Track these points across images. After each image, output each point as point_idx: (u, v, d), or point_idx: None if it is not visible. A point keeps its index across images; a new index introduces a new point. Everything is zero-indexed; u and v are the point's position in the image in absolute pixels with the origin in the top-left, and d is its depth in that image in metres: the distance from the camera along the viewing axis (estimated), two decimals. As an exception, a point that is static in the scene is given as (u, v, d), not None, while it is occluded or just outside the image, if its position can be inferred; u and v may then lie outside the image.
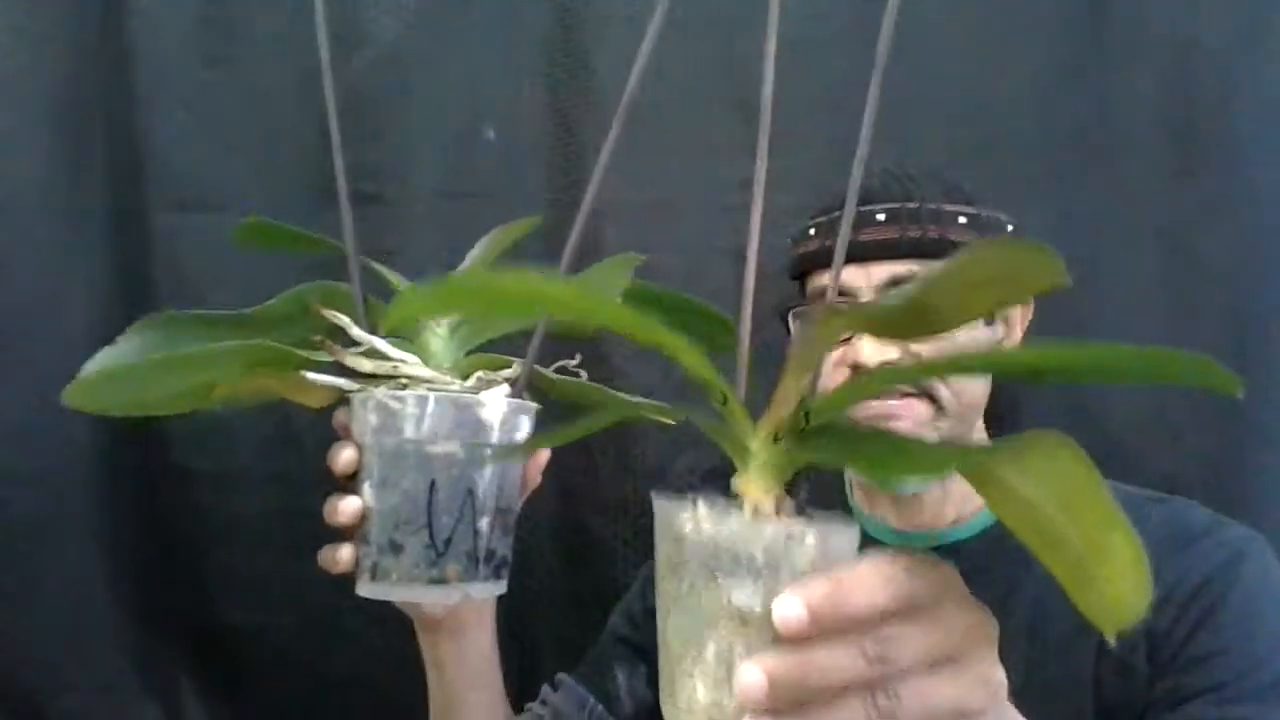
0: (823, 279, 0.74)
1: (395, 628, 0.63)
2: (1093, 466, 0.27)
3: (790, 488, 0.37)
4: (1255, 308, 0.85)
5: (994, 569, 0.68)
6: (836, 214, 0.73)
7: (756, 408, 0.37)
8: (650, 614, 0.81)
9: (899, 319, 0.31)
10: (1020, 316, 0.75)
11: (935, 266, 0.27)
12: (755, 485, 0.36)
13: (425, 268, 1.06)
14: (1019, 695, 0.54)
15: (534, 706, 0.79)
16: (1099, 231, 0.89)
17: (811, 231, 0.75)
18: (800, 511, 0.37)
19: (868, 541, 0.72)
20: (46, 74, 0.97)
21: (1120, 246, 0.88)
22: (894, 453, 0.36)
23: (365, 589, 0.49)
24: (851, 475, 0.80)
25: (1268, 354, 0.85)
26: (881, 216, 0.70)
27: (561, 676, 0.81)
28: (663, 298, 0.59)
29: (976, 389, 0.71)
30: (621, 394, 0.58)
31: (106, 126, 1.00)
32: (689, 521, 0.34)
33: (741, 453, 0.37)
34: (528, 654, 0.98)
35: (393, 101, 0.98)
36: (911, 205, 0.70)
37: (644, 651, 0.80)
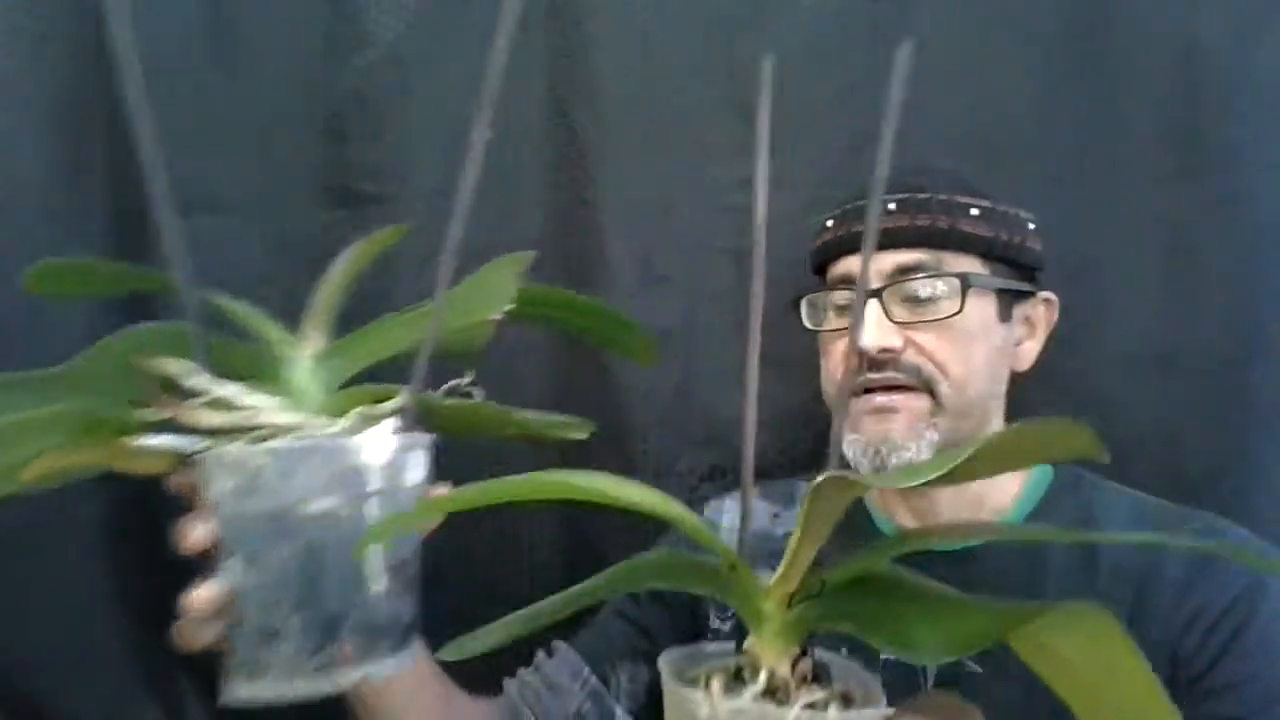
0: (840, 267, 0.74)
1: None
2: (1130, 637, 0.28)
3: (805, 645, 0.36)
4: (1255, 308, 0.85)
5: (1010, 577, 0.67)
6: (850, 206, 0.74)
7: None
8: (654, 597, 0.80)
9: (945, 478, 0.30)
10: (1045, 318, 0.74)
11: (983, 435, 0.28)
12: (770, 650, 0.35)
13: (425, 267, 1.06)
14: (1027, 709, 0.54)
15: (524, 673, 0.78)
16: (1099, 231, 0.89)
17: (829, 224, 0.76)
18: (816, 671, 0.35)
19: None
20: (46, 74, 0.97)
21: (1120, 246, 0.88)
22: (920, 621, 0.33)
23: (243, 691, 0.41)
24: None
25: (1268, 354, 0.84)
26: (892, 206, 0.70)
27: (558, 644, 0.79)
28: (553, 298, 0.56)
29: (980, 383, 0.70)
30: (531, 412, 0.51)
31: (106, 126, 1.00)
32: (704, 706, 0.33)
33: (754, 615, 0.36)
34: (526, 654, 0.98)
35: (393, 101, 0.98)
36: (922, 195, 0.70)
37: (644, 630, 0.79)
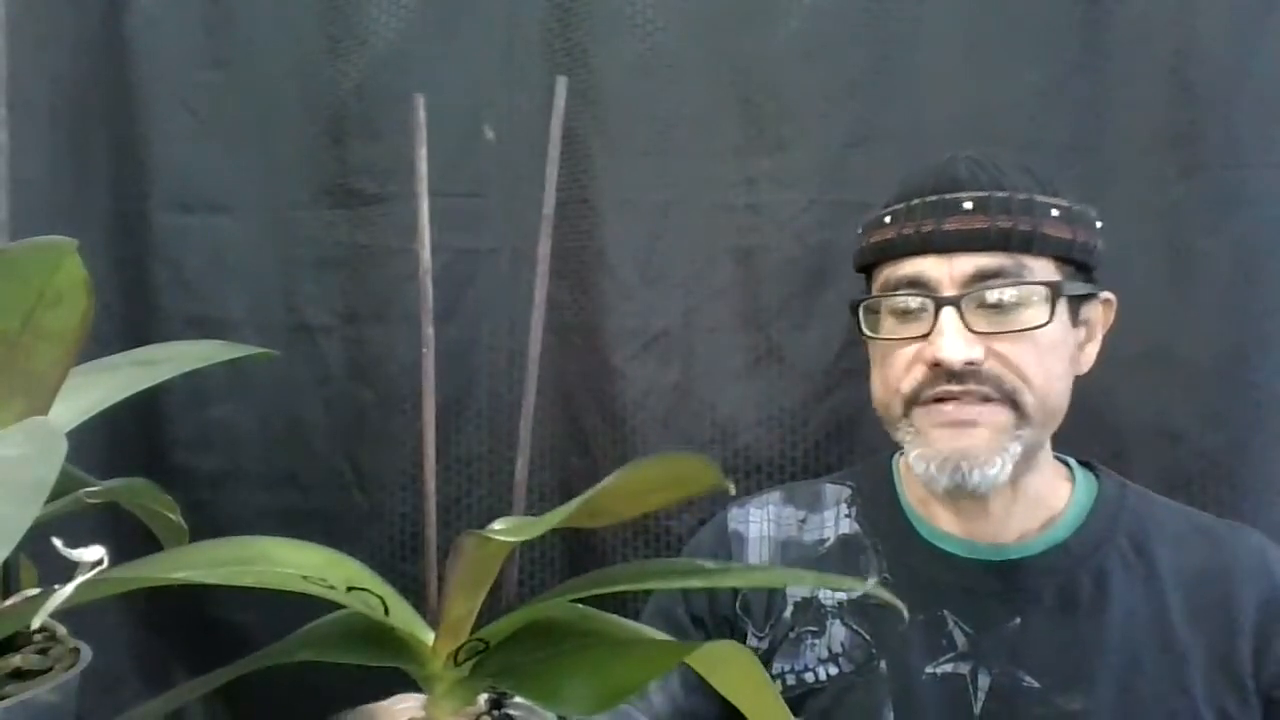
0: (899, 269, 0.68)
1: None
2: (761, 668, 0.34)
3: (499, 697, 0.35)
4: (1255, 308, 0.85)
5: (1075, 590, 0.67)
6: (916, 201, 0.67)
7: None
8: (694, 621, 0.76)
9: (574, 520, 0.30)
10: (1103, 319, 0.72)
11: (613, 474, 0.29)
12: (443, 712, 0.34)
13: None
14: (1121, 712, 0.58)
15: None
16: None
17: (887, 219, 0.69)
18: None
19: (924, 550, 0.71)
20: (47, 74, 0.97)
21: (1120, 246, 0.88)
22: (571, 674, 0.33)
23: None
24: (903, 477, 0.76)
25: (1267, 352, 0.84)
26: (969, 205, 0.65)
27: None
28: None
29: (1062, 395, 0.67)
30: None
31: (106, 126, 1.00)
32: None
33: (424, 677, 0.35)
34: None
35: (393, 101, 0.98)
36: (1001, 194, 0.65)
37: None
